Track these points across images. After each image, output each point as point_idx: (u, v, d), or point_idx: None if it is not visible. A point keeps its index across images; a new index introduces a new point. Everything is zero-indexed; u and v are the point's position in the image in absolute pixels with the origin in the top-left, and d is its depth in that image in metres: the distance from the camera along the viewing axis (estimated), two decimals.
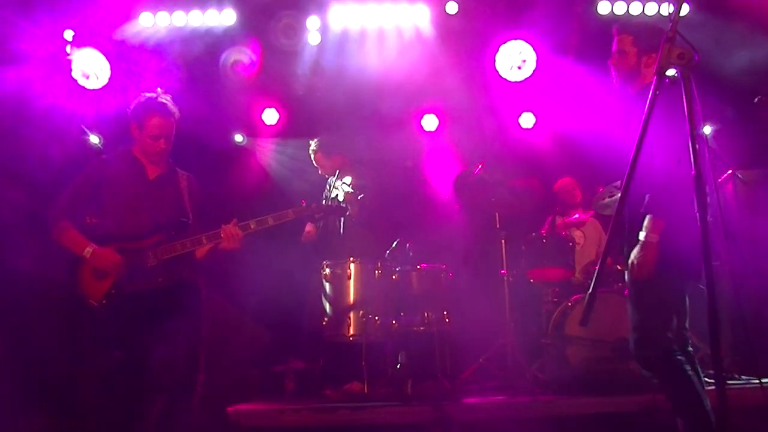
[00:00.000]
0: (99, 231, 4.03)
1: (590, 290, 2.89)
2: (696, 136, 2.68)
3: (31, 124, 5.62)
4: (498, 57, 6.81)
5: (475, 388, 5.49)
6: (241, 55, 6.73)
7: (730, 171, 5.71)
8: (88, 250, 3.93)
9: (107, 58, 6.48)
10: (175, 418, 3.95)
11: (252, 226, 4.11)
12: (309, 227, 6.11)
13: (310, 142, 6.25)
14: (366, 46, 6.69)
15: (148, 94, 4.13)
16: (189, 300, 4.06)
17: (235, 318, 6.35)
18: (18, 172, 5.51)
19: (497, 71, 6.86)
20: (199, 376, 4.12)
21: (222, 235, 4.04)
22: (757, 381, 5.05)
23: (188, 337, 3.96)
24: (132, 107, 4.13)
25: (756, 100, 4.70)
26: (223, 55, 6.72)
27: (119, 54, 6.48)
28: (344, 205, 5.29)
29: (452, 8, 6.62)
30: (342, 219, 5.91)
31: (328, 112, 6.76)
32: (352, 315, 5.40)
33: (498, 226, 6.51)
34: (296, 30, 6.67)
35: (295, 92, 7.09)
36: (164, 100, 4.10)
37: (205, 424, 4.57)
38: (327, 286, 5.55)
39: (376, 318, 5.41)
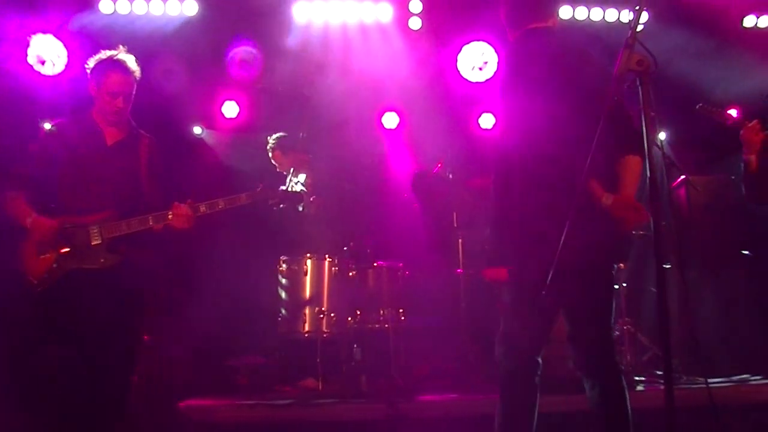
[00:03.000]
0: (51, 203, 3.83)
1: (544, 291, 2.93)
2: (651, 142, 2.74)
3: None
4: (460, 57, 6.85)
5: (430, 386, 5.52)
6: (248, 55, 6.66)
7: (683, 176, 5.84)
8: (29, 220, 3.73)
9: (65, 45, 6.34)
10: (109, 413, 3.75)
11: (202, 209, 3.90)
12: None
13: (268, 138, 6.21)
14: (329, 41, 6.66)
15: (108, 51, 3.94)
16: (132, 283, 3.84)
17: (189, 311, 6.28)
18: None
19: (459, 71, 6.90)
20: (134, 371, 3.98)
21: (171, 214, 3.82)
22: (703, 381, 5.19)
23: (125, 325, 3.78)
24: (91, 65, 3.94)
25: (697, 107, 4.80)
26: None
27: (77, 41, 6.34)
28: (303, 191, 5.24)
29: (416, 7, 6.64)
30: (299, 215, 5.88)
31: (289, 106, 6.71)
32: (307, 311, 5.39)
33: (455, 225, 6.56)
34: (259, 23, 6.61)
35: (256, 86, 7.03)
36: (124, 57, 3.92)
37: (156, 419, 4.51)
38: (283, 281, 5.54)
39: (332, 314, 5.42)
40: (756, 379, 5.46)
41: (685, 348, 5.68)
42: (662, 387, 2.61)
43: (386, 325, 5.52)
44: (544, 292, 2.83)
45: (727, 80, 6.11)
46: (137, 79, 3.97)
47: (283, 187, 5.95)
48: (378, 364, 5.46)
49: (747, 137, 4.43)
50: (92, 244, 3.77)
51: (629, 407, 3.17)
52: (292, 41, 6.60)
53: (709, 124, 5.54)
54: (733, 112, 6.99)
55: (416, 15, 6.67)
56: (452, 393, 5.31)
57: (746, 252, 5.73)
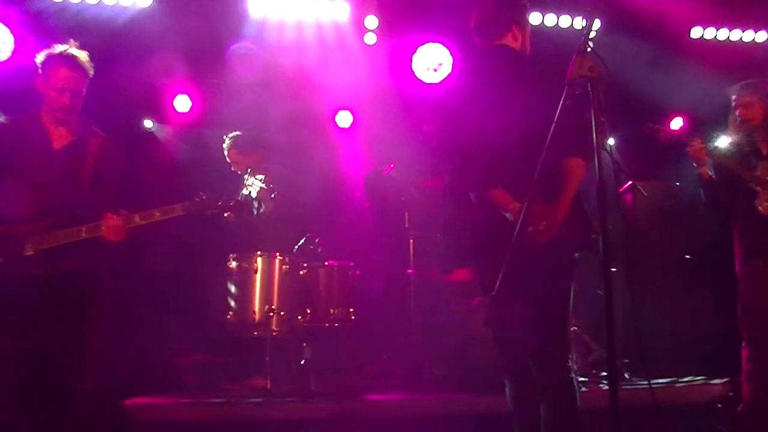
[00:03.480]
0: None
1: (494, 292, 2.95)
2: (601, 147, 2.79)
3: None
4: (415, 58, 6.88)
5: (379, 385, 5.53)
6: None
7: (630, 182, 5.96)
8: None
9: (12, 32, 6.18)
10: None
11: (136, 220, 3.76)
12: None
13: (225, 137, 6.13)
14: (285, 37, 6.62)
15: (59, 46, 3.81)
16: (71, 294, 3.70)
17: (135, 308, 6.17)
18: None
19: (414, 72, 6.93)
20: (78, 383, 3.86)
21: (103, 226, 3.69)
22: (647, 383, 5.31)
23: (66, 335, 3.67)
24: (40, 59, 3.80)
25: (645, 127, 4.92)
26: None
27: (25, 28, 6.18)
28: (263, 189, 5.18)
29: (372, 7, 6.63)
30: (251, 213, 5.85)
31: (244, 102, 6.65)
32: (257, 309, 5.34)
33: (407, 225, 6.59)
34: (214, 17, 6.53)
35: (209, 80, 6.94)
36: (75, 53, 3.79)
37: (101, 417, 4.42)
38: (233, 279, 5.48)
39: (282, 313, 5.38)
40: (698, 380, 5.62)
41: (630, 349, 5.81)
42: (607, 388, 2.66)
43: (336, 325, 5.51)
44: (493, 293, 2.85)
45: (674, 89, 6.25)
46: (89, 75, 3.85)
47: (240, 189, 5.91)
48: (327, 364, 5.45)
49: (693, 155, 4.58)
50: (25, 254, 3.64)
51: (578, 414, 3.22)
52: (246, 36, 6.54)
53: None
54: (679, 121, 7.24)
55: (373, 14, 6.66)
56: (401, 393, 5.34)
57: (688, 256, 5.88)
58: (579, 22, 6.58)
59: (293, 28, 6.65)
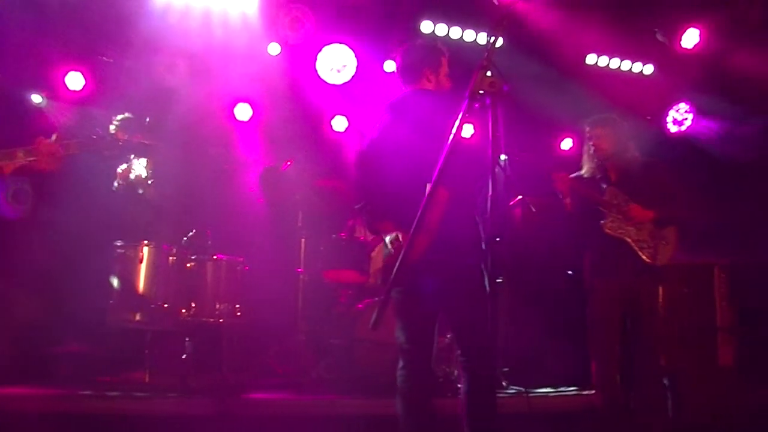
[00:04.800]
0: None
1: (384, 295, 3.00)
2: (496, 160, 2.87)
3: None
4: (320, 57, 6.86)
5: (261, 384, 5.48)
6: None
7: (520, 196, 6.15)
8: None
9: None
10: None
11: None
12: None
13: (113, 118, 5.91)
14: (188, 22, 6.43)
15: None
16: None
17: (7, 293, 5.86)
18: None
19: (317, 71, 6.91)
20: None
21: (37, 152, 3.49)
22: (524, 391, 5.52)
23: None
24: None
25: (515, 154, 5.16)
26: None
27: None
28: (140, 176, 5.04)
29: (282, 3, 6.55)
30: (138, 198, 5.66)
31: (140, 86, 6.42)
32: (140, 300, 5.19)
33: (300, 224, 6.57)
34: None
35: (105, 60, 6.67)
36: None
37: None
38: (116, 267, 5.30)
39: (165, 305, 5.25)
40: (570, 390, 5.89)
41: (509, 358, 6.00)
42: None
43: (221, 320, 5.42)
44: (383, 296, 2.91)
45: (568, 111, 6.50)
46: None
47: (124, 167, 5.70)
48: (209, 359, 5.35)
49: (557, 187, 4.84)
50: None
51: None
52: (149, 18, 6.33)
53: (549, 149, 5.86)
54: (569, 142, 7.55)
55: (281, 8, 6.58)
56: (283, 392, 5.31)
57: (570, 272, 6.15)
58: (483, 38, 6.74)
59: (199, 15, 6.48)
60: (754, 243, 6.81)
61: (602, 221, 4.82)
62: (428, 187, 2.89)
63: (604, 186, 4.93)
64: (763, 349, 6.17)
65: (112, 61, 6.68)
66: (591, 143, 5.03)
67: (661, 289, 6.00)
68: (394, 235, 3.58)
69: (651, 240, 4.81)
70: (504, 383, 5.87)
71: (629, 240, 4.78)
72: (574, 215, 4.89)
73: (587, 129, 5.07)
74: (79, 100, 6.72)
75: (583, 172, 5.07)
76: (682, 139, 7.96)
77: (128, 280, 5.25)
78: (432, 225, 3.45)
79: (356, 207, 3.80)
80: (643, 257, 4.77)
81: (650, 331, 4.81)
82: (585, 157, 5.09)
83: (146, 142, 4.66)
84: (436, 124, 3.30)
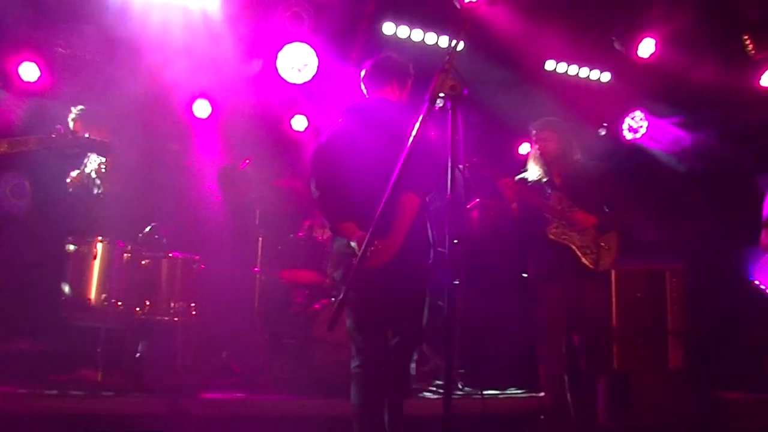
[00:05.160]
0: None
1: (341, 296, 3.01)
2: (455, 163, 2.90)
3: None
4: (280, 55, 6.81)
5: (216, 384, 5.43)
6: None
7: (477, 200, 6.20)
8: None
9: None
10: None
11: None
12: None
13: (72, 109, 5.80)
14: (148, 16, 6.32)
15: None
16: None
17: None
18: None
19: (277, 70, 6.86)
20: None
21: None
22: (479, 393, 5.57)
23: None
24: None
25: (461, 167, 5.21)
26: None
27: None
28: (95, 171, 4.94)
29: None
30: (93, 195, 5.57)
31: (97, 80, 6.32)
32: (93, 297, 5.10)
33: (257, 223, 6.53)
34: None
35: (61, 52, 6.53)
36: None
37: None
38: (69, 263, 5.20)
39: (119, 303, 5.17)
40: (521, 393, 5.95)
41: (465, 360, 6.05)
42: (441, 396, 2.76)
43: (176, 319, 5.36)
44: (333, 299, 2.98)
45: (527, 115, 6.57)
46: None
47: (82, 165, 5.61)
48: (163, 358, 5.28)
49: (503, 191, 4.88)
50: None
51: None
52: (106, 10, 6.22)
53: (507, 152, 5.91)
54: (527, 146, 7.63)
55: (242, 5, 6.52)
56: (239, 392, 5.27)
57: (525, 275, 6.22)
58: (444, 41, 6.76)
59: (159, 7, 6.38)
60: (705, 249, 6.98)
61: (547, 227, 4.86)
62: (387, 191, 2.91)
63: (549, 191, 4.97)
64: (712, 352, 6.35)
65: (67, 52, 6.56)
66: (537, 146, 5.08)
67: (615, 293, 6.17)
68: (362, 238, 3.54)
69: (594, 246, 4.88)
70: (459, 384, 5.92)
71: (573, 246, 4.85)
72: (520, 220, 4.94)
73: (533, 131, 5.12)
74: (34, 91, 6.58)
75: (527, 174, 5.11)
76: (636, 146, 8.12)
77: (81, 277, 5.16)
78: (402, 232, 3.57)
79: (314, 197, 3.80)
80: (586, 263, 4.84)
81: (595, 335, 4.89)
82: (531, 160, 5.13)
83: (105, 140, 4.57)
84: (398, 130, 3.32)
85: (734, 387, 6.17)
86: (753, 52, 6.65)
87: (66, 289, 5.15)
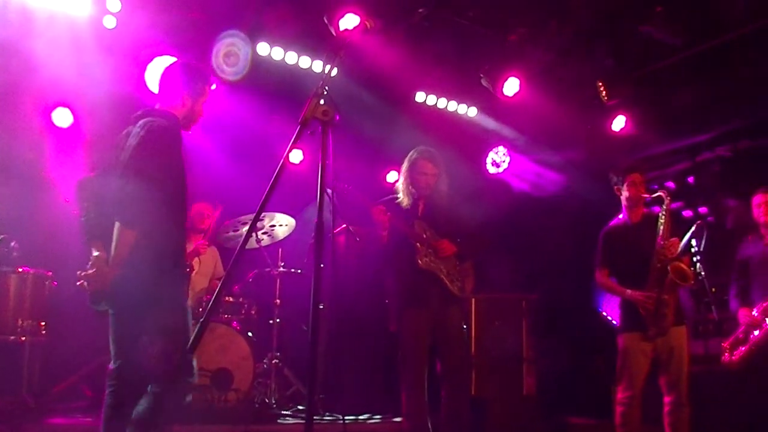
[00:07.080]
0: None
1: (202, 319, 2.95)
2: (324, 189, 2.93)
3: None
4: (149, 68, 6.62)
5: (65, 408, 5.16)
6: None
7: (344, 225, 6.26)
8: None
9: None
10: None
11: None
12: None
13: None
14: (7, 18, 5.99)
15: None
16: None
17: None
18: None
19: (145, 83, 6.66)
20: None
21: None
22: (340, 418, 5.58)
23: None
24: None
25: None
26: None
27: None
28: None
29: (114, 6, 6.22)
30: None
31: None
32: None
33: None
34: None
35: None
36: None
37: None
38: None
39: None
40: (376, 419, 6.06)
41: (327, 385, 6.05)
42: (302, 421, 2.76)
43: (23, 338, 5.07)
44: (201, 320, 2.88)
45: (396, 143, 6.70)
46: None
47: None
48: (8, 380, 4.97)
49: (375, 219, 4.92)
50: None
51: None
52: None
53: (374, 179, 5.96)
54: (395, 174, 7.79)
55: (113, 14, 6.29)
56: (87, 416, 5.03)
57: (322, 306, 6.28)
58: (318, 66, 6.81)
59: (18, 11, 6.06)
60: (560, 280, 7.35)
61: (417, 255, 4.93)
62: None
63: (413, 219, 5.06)
64: (564, 379, 6.68)
65: None
66: (410, 173, 5.16)
67: (474, 321, 6.38)
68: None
69: (457, 273, 5.04)
70: (320, 411, 5.91)
71: (441, 274, 4.97)
72: (387, 246, 5.00)
73: (413, 157, 5.18)
74: None
75: (399, 199, 5.18)
76: (499, 180, 8.46)
77: None
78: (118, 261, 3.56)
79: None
80: (453, 290, 4.97)
81: (457, 360, 4.99)
82: (402, 186, 5.21)
83: None
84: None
85: (581, 413, 6.53)
86: (606, 98, 7.07)
87: None
